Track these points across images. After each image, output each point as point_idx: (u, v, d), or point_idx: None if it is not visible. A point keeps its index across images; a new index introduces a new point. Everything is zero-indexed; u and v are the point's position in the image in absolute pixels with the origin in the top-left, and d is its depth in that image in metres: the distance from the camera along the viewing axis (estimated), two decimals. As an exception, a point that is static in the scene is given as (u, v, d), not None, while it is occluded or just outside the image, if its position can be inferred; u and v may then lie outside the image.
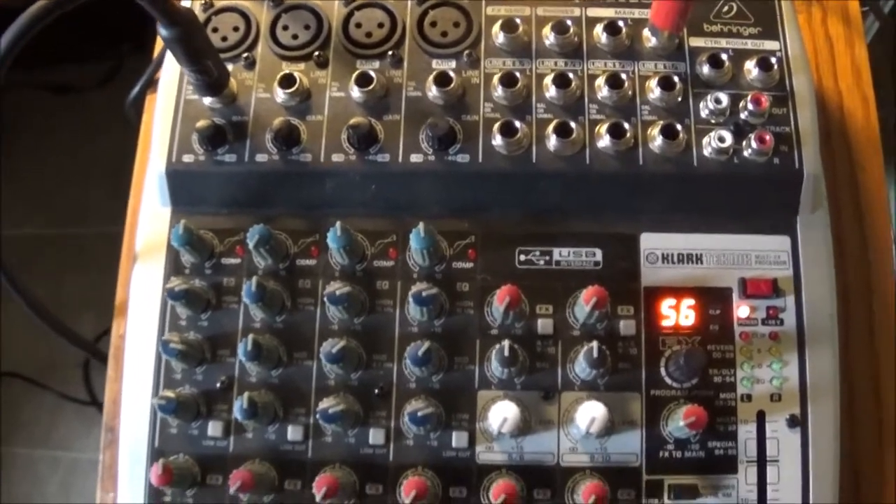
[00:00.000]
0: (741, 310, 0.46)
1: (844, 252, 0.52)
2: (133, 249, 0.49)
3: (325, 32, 0.49)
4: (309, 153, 0.47)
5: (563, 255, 0.46)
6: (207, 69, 0.45)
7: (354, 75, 0.47)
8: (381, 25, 0.49)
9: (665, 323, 0.45)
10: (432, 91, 0.47)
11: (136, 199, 0.54)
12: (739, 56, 0.49)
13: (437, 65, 0.48)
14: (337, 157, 0.47)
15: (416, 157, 0.46)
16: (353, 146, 0.46)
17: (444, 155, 0.46)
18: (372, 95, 0.47)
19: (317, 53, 0.49)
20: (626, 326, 0.45)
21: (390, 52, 0.48)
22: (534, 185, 0.46)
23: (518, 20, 0.48)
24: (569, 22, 0.48)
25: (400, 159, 0.46)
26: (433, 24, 0.49)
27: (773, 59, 0.48)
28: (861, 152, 0.55)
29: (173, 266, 0.47)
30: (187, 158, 0.47)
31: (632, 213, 0.47)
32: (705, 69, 0.48)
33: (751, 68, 0.48)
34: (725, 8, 0.50)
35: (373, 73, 0.47)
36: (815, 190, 0.47)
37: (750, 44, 0.49)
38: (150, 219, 0.48)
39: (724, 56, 0.48)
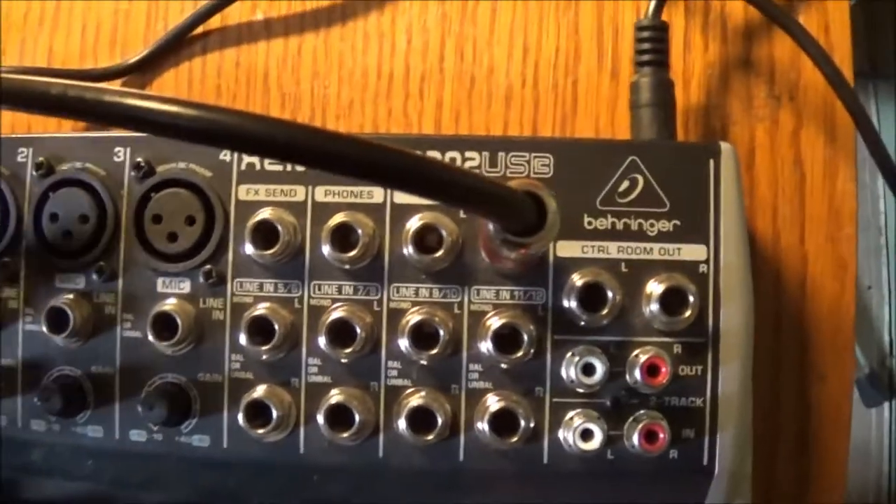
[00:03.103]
0: None
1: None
2: None
3: (13, 223, 0.33)
4: (2, 415, 0.33)
5: (353, 568, 0.33)
6: None
7: (45, 311, 0.32)
8: (84, 219, 0.32)
9: None
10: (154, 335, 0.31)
11: None
12: (636, 272, 0.30)
13: (164, 287, 0.32)
14: (37, 425, 0.33)
15: (136, 435, 0.32)
16: (52, 414, 0.32)
17: (175, 434, 0.32)
18: (72, 339, 0.32)
19: (4, 260, 0.33)
20: None
21: (99, 264, 0.32)
22: (305, 481, 0.32)
23: (282, 219, 0.30)
24: (361, 220, 0.30)
25: (116, 435, 0.32)
26: (156, 218, 0.32)
27: (691, 296, 0.29)
28: (822, 353, 0.36)
29: None
30: None
31: (452, 513, 0.32)
32: (574, 304, 0.30)
33: (652, 294, 0.30)
34: (625, 185, 0.31)
35: (68, 310, 0.31)
36: (731, 484, 0.31)
37: (657, 251, 0.31)
38: None
39: (608, 291, 0.30)
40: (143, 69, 0.39)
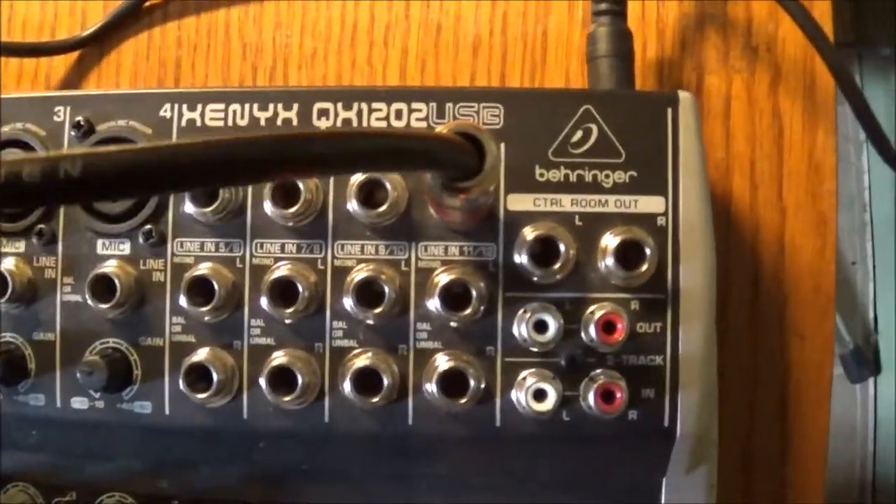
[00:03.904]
0: None
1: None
2: None
3: (-49, 186, 0.32)
4: (-59, 384, 0.32)
5: (305, 536, 0.32)
6: None
7: (-18, 275, 0.31)
8: (23, 180, 0.31)
9: None
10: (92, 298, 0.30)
11: None
12: (591, 226, 0.29)
13: (104, 248, 0.31)
14: (-22, 394, 0.32)
15: (78, 403, 0.31)
16: (-7, 380, 0.32)
17: (117, 401, 0.31)
18: (13, 305, 0.31)
19: (-57, 223, 0.32)
20: None
21: (39, 227, 0.31)
22: (250, 446, 0.31)
23: (222, 176, 0.29)
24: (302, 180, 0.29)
25: (58, 403, 0.31)
26: (97, 179, 0.31)
27: (648, 249, 0.28)
28: (803, 312, 0.35)
29: None
30: None
31: (402, 479, 0.31)
32: (526, 260, 0.29)
33: (608, 248, 0.28)
34: (579, 135, 0.29)
35: (7, 274, 0.30)
36: (694, 448, 0.30)
37: (612, 203, 0.29)
38: None
39: (561, 245, 0.28)
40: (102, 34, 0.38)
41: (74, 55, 0.38)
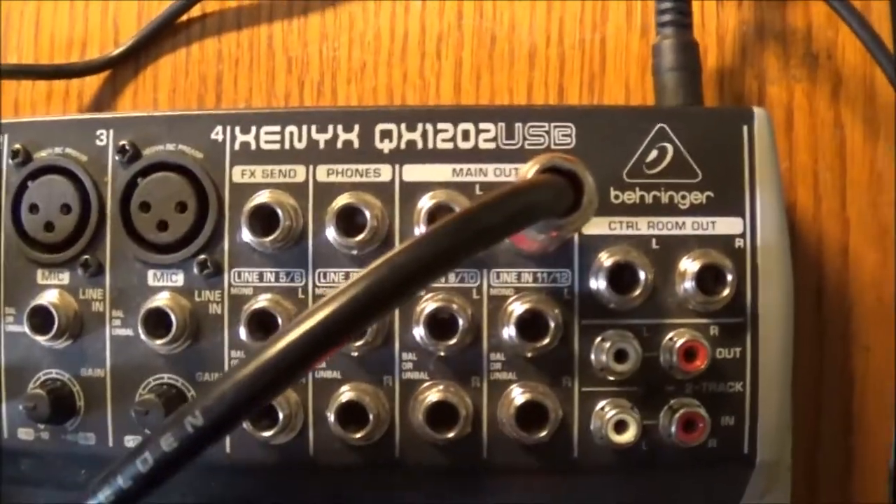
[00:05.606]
0: None
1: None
2: None
3: (-13, 217, 0.30)
4: (-13, 424, 0.31)
5: (374, 571, 0.31)
6: None
7: (27, 310, 0.29)
8: (66, 209, 0.29)
9: None
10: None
11: None
12: (668, 249, 0.28)
13: (156, 280, 0.29)
14: (25, 434, 0.30)
15: (132, 441, 0.29)
16: (39, 421, 0.30)
17: (174, 439, 0.29)
18: (58, 340, 0.29)
19: (-18, 256, 0.30)
20: None
21: (84, 258, 0.29)
22: (315, 484, 0.30)
23: (281, 202, 0.28)
24: (368, 201, 0.28)
25: (110, 442, 0.30)
26: (144, 206, 0.29)
27: (728, 273, 0.27)
28: (866, 323, 0.34)
29: None
30: None
31: (475, 511, 0.30)
32: (602, 286, 0.28)
33: (686, 272, 0.28)
34: (654, 155, 0.28)
35: (51, 307, 0.29)
36: (771, 473, 0.29)
37: (689, 225, 0.28)
38: None
39: (640, 270, 0.27)
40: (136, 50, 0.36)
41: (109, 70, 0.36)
